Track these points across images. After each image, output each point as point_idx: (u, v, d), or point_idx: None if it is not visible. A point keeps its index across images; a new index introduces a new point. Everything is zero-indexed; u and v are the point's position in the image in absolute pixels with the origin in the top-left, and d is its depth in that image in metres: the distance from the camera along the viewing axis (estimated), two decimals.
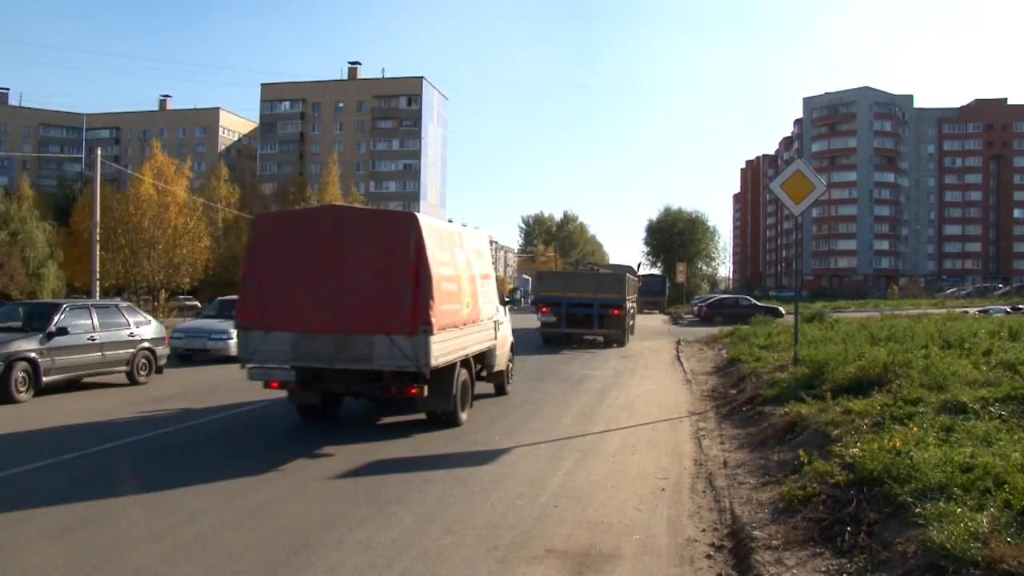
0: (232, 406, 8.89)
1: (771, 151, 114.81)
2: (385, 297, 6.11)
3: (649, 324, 32.86)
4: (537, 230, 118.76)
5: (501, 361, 9.19)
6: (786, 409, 7.15)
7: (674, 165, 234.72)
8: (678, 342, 20.08)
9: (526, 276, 66.02)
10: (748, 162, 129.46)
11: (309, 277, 6.22)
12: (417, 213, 6.41)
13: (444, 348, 6.56)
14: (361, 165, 78.27)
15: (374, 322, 6.11)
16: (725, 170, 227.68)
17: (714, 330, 22.08)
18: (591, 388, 11.06)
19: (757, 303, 32.72)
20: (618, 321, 17.72)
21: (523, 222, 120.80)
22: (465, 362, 7.27)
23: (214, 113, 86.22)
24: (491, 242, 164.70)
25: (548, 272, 21.90)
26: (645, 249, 66.12)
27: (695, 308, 36.37)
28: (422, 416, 7.89)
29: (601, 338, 17.99)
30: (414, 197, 77.57)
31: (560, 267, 71.42)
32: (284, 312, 6.27)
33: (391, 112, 78.90)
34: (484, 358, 8.46)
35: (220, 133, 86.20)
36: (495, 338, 8.56)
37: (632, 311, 19.90)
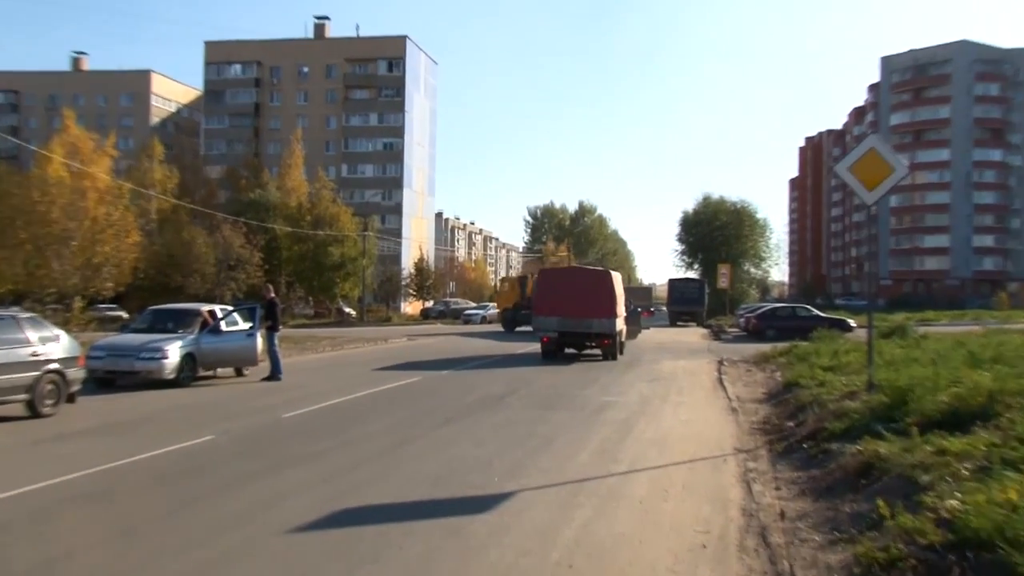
0: (168, 443, 8.82)
1: (838, 125, 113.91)
2: (597, 303, 19.94)
3: (684, 339, 32.95)
4: (547, 224, 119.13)
5: (623, 335, 22.45)
6: (859, 447, 7.07)
7: (713, 147, 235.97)
8: (720, 362, 20.19)
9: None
10: (808, 139, 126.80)
11: (564, 294, 20.16)
12: (610, 271, 21.17)
13: (618, 324, 20.58)
14: (331, 144, 78.61)
15: (593, 313, 19.92)
16: (777, 151, 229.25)
17: (765, 347, 22.02)
18: (613, 418, 11.06)
19: (820, 314, 32.64)
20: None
21: (529, 214, 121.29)
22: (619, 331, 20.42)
23: (144, 77, 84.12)
24: (491, 238, 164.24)
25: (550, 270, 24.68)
26: (678, 248, 66.43)
27: (741, 320, 36.31)
28: (404, 452, 8.08)
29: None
30: (396, 184, 78.02)
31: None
32: (554, 308, 20.19)
33: (367, 79, 79.14)
34: (621, 333, 21.56)
35: (153, 102, 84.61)
36: (624, 325, 22.39)
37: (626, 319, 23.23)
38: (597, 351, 21.06)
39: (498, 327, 39.70)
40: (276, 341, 15.77)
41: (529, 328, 38.21)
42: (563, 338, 20.69)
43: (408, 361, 20.46)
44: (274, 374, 15.41)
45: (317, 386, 14.54)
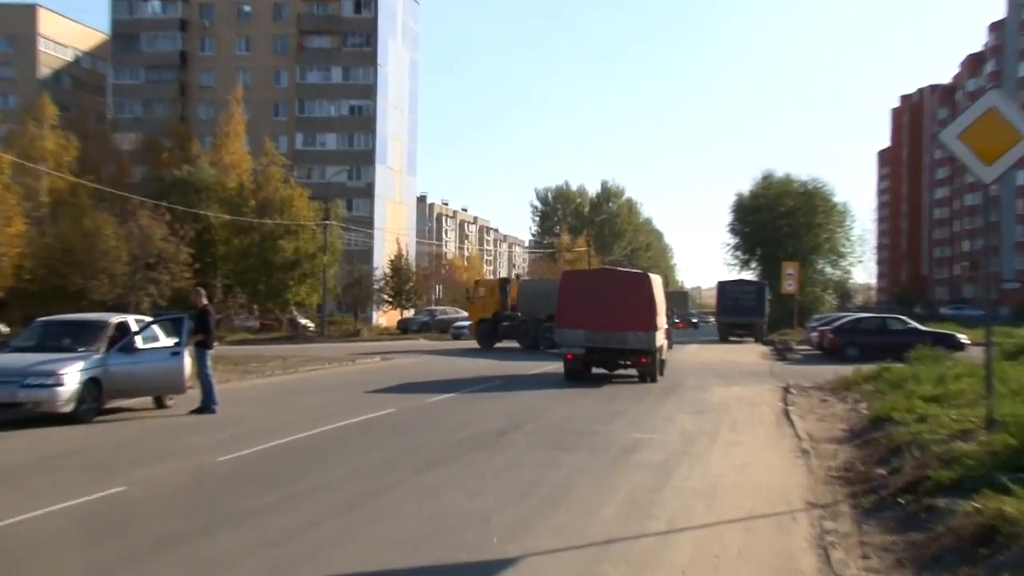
0: (62, 498, 8.71)
1: (944, 78, 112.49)
2: (633, 313, 21.17)
3: (738, 359, 33.09)
4: (560, 211, 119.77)
5: (664, 351, 23.89)
6: (977, 504, 7.02)
7: (773, 113, 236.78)
8: (786, 389, 20.24)
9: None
10: (904, 99, 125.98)
11: (593, 302, 21.48)
12: (649, 274, 23.34)
13: (659, 339, 21.87)
14: (281, 108, 79.06)
15: (628, 325, 21.05)
16: (861, 116, 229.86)
17: (846, 369, 21.98)
18: (646, 460, 11.08)
19: (919, 326, 32.45)
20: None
21: (538, 199, 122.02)
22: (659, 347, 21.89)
23: (28, 13, 78.36)
24: (489, 229, 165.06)
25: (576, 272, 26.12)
26: (730, 241, 66.39)
27: (814, 334, 36.27)
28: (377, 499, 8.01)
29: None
30: (366, 159, 78.49)
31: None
32: (580, 320, 21.41)
33: (328, 22, 79.46)
34: (662, 349, 22.88)
35: (41, 47, 79.82)
36: (665, 338, 24.07)
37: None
38: (632, 371, 22.04)
39: (499, 345, 39.81)
40: (209, 362, 15.78)
41: (513, 344, 39.92)
42: (591, 355, 21.76)
43: (382, 387, 20.50)
44: (206, 404, 15.42)
45: (263, 420, 14.56)
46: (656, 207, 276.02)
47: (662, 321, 23.05)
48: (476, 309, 41.54)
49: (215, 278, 50.03)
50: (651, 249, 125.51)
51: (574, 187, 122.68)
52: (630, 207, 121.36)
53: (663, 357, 23.64)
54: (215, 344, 16.36)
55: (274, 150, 60.11)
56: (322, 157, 77.22)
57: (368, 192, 77.88)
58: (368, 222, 74.05)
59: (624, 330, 21.23)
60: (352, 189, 76.70)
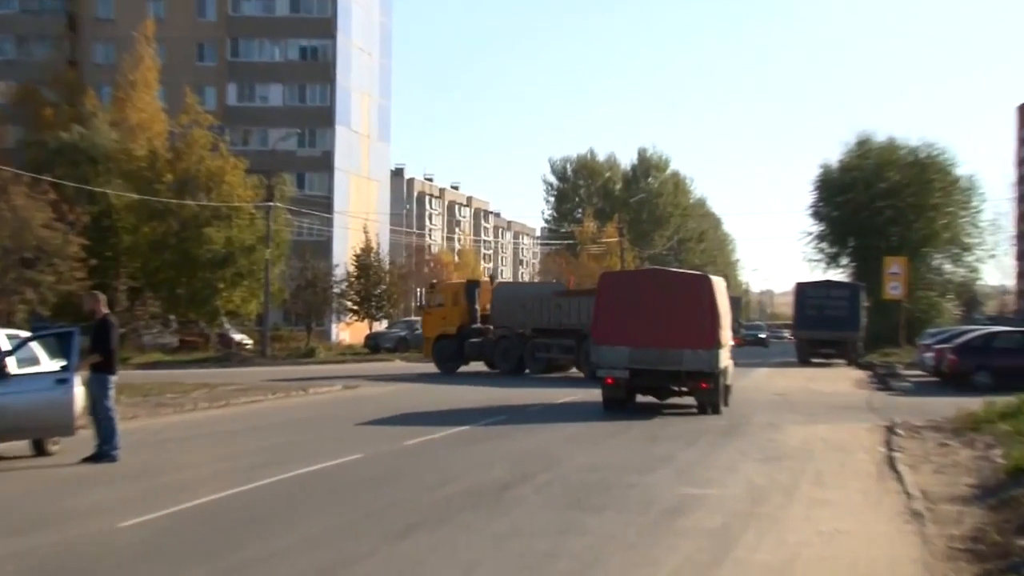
0: None
1: None
2: (690, 325, 22.07)
3: (823, 386, 33.17)
4: (584, 189, 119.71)
5: (729, 374, 24.27)
6: None
7: (872, 58, 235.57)
8: (890, 428, 20.22)
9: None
10: None
11: (639, 312, 22.64)
12: (710, 276, 24.90)
13: (723, 358, 22.83)
14: (208, 49, 79.38)
15: (683, 341, 22.01)
16: (991, 62, 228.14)
17: (973, 402, 21.89)
18: (699, 526, 11.08)
19: None
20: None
21: (553, 172, 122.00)
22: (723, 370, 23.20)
23: None
24: (488, 213, 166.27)
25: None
26: (813, 228, 66.26)
27: (928, 355, 36.15)
28: None
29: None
30: (322, 119, 78.72)
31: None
32: (623, 334, 22.50)
33: None
34: (726, 371, 23.50)
35: None
36: (730, 357, 24.50)
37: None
38: (689, 399, 23.06)
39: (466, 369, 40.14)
40: (111, 392, 15.71)
41: (483, 367, 40.22)
42: (636, 379, 22.86)
43: (345, 425, 20.44)
44: (104, 450, 15.35)
45: (184, 470, 14.56)
46: (711, 185, 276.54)
47: (727, 336, 23.59)
48: (433, 321, 41.76)
49: (118, 279, 49.97)
50: (705, 240, 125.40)
51: (601, 157, 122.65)
52: (677, 184, 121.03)
53: (728, 382, 24.22)
54: (118, 368, 16.26)
55: (198, 106, 59.66)
56: (263, 116, 77.49)
57: (325, 164, 78.22)
58: (326, 204, 74.22)
59: (679, 347, 22.01)
60: (304, 160, 76.96)
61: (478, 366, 39.51)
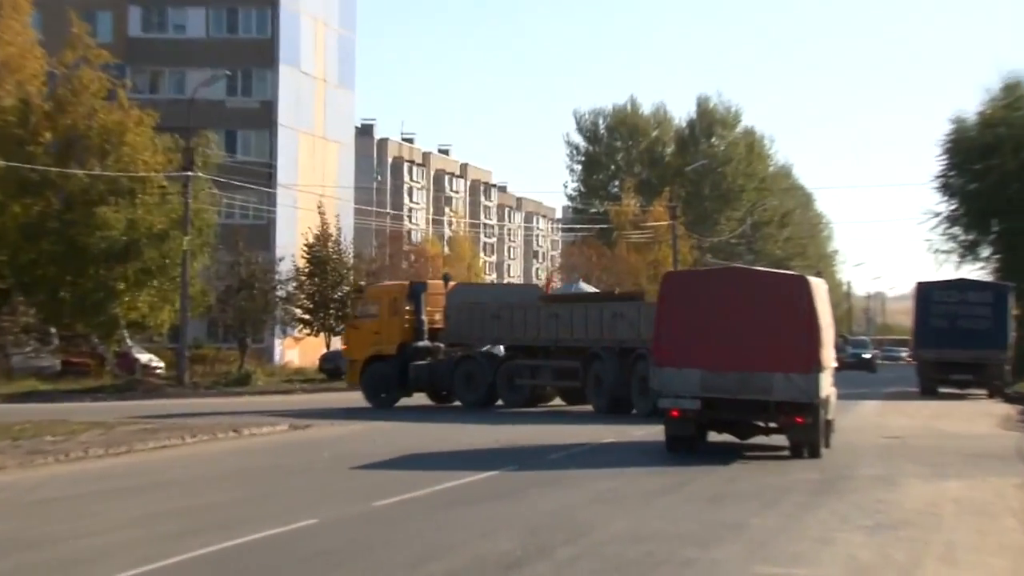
0: None
1: None
2: (782, 342, 22.82)
3: (958, 427, 33.32)
4: (622, 153, 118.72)
5: (831, 405, 25.17)
6: None
7: None
8: None
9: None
10: None
11: (714, 325, 23.56)
12: (808, 277, 25.89)
13: (825, 384, 23.71)
14: None
15: (773, 362, 22.73)
16: None
17: None
18: None
19: None
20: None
21: (579, 129, 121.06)
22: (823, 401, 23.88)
23: None
24: (489, 187, 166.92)
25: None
26: (940, 207, 65.99)
27: None
28: None
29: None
30: (261, 58, 78.89)
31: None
32: (693, 353, 23.46)
33: None
34: (828, 402, 24.41)
35: None
36: (832, 385, 25.71)
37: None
38: (779, 438, 23.88)
39: (577, 404, 40.26)
40: None
41: (423, 401, 41.54)
42: (710, 412, 23.66)
43: (292, 479, 20.59)
44: None
45: (69, 541, 14.48)
46: (797, 148, 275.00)
47: (830, 356, 24.04)
48: (362, 338, 42.22)
49: None
50: (790, 223, 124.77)
51: (646, 110, 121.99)
52: (751, 146, 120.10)
53: (829, 415, 24.85)
54: None
55: (88, 38, 59.35)
56: (179, 53, 77.76)
57: (265, 118, 78.67)
58: (266, 173, 74.44)
59: (768, 370, 22.65)
60: (236, 113, 77.37)
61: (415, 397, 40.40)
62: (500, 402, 38.61)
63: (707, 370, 22.80)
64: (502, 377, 38.51)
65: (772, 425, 23.48)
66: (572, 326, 37.30)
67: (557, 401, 39.39)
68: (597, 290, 56.47)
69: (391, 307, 41.68)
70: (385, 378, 40.34)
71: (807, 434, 22.95)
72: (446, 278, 45.57)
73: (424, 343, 40.28)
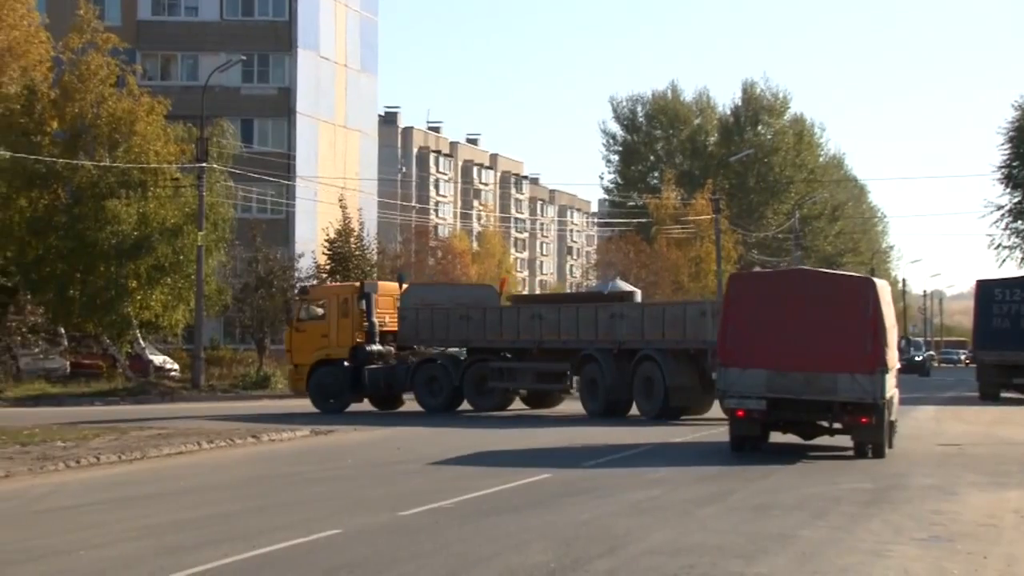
0: None
1: None
2: (847, 343, 24.39)
3: (1021, 434, 33.28)
4: (661, 142, 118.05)
5: (894, 407, 26.62)
6: None
7: None
8: None
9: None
10: None
11: (780, 326, 25.12)
12: (873, 279, 27.83)
13: (889, 385, 25.24)
14: None
15: (838, 362, 24.30)
16: None
17: None
18: None
19: None
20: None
21: (616, 117, 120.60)
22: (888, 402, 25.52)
23: None
24: (520, 179, 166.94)
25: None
26: (1005, 197, 65.71)
27: None
28: None
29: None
30: (280, 38, 79.02)
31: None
32: (759, 354, 24.97)
33: None
34: (891, 403, 25.87)
35: None
36: (896, 386, 27.32)
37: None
38: (843, 438, 25.73)
39: (542, 408, 40.55)
40: None
41: (364, 406, 41.94)
42: (776, 412, 25.30)
43: (312, 487, 20.64)
44: None
45: (80, 552, 14.53)
46: (849, 137, 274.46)
47: (893, 357, 25.99)
48: (308, 342, 42.56)
49: None
50: (842, 217, 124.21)
51: (688, 96, 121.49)
52: (800, 134, 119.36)
53: (892, 416, 26.33)
54: None
55: (96, 21, 59.53)
56: (192, 36, 77.97)
57: (283, 106, 78.72)
58: (284, 164, 74.53)
59: (833, 371, 24.31)
60: (252, 100, 77.56)
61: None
62: (471, 406, 39.47)
63: (772, 370, 24.33)
64: (470, 380, 39.08)
65: (836, 425, 24.96)
66: (559, 328, 38.07)
67: (517, 404, 39.91)
68: (635, 288, 56.41)
69: (342, 309, 42.01)
70: (336, 383, 40.72)
71: (871, 434, 24.51)
72: (400, 278, 45.88)
73: (377, 346, 40.76)
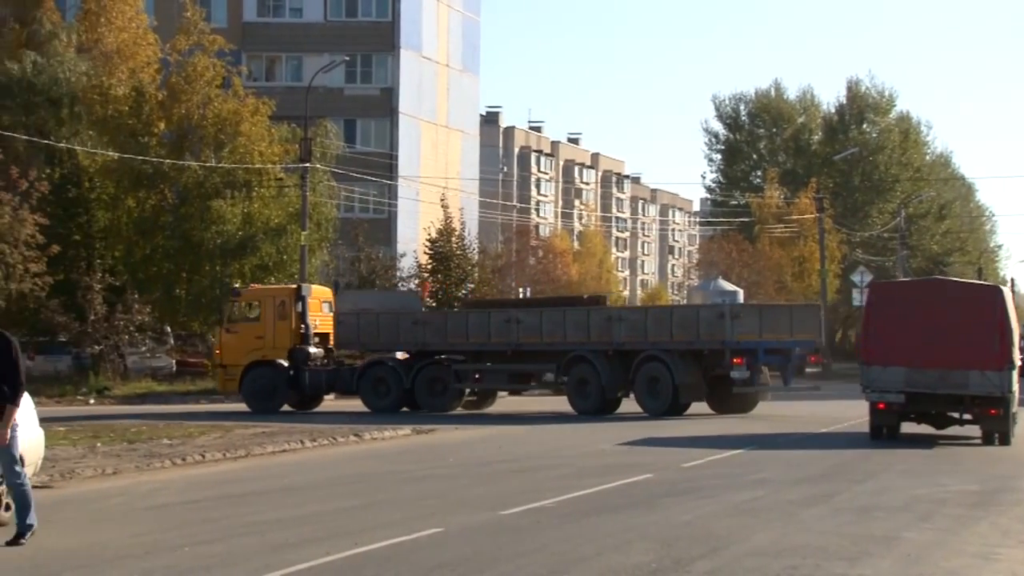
0: None
1: None
2: (978, 343, 28.35)
3: None
4: (764, 142, 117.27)
5: (1015, 403, 29.24)
6: None
7: None
8: None
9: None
10: None
11: (916, 328, 29.25)
12: (1000, 286, 37.88)
13: (1014, 380, 29.07)
14: None
15: (970, 360, 28.19)
16: None
17: None
18: None
19: None
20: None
21: (719, 116, 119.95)
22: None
23: None
24: (621, 178, 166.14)
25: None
26: None
27: None
28: None
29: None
30: (383, 39, 79.35)
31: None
32: (897, 353, 28.86)
33: None
34: (1014, 397, 29.19)
35: None
36: (1019, 382, 30.59)
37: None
38: (972, 428, 29.40)
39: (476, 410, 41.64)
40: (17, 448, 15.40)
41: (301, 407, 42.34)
42: (913, 404, 28.89)
43: (411, 486, 20.74)
44: (22, 528, 14.93)
45: (184, 548, 14.62)
46: (956, 135, 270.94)
47: (1017, 355, 29.06)
48: (241, 343, 42.62)
49: (91, 274, 51.15)
50: (949, 215, 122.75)
51: (791, 95, 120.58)
52: (907, 133, 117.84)
53: (1014, 409, 28.96)
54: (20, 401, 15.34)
55: (202, 23, 59.71)
56: (296, 38, 78.52)
57: (386, 106, 79.06)
58: (386, 164, 74.83)
59: (965, 368, 27.81)
60: (355, 100, 77.91)
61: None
62: (422, 406, 39.76)
63: (910, 368, 27.79)
64: (426, 384, 39.57)
65: (967, 416, 28.39)
66: (541, 330, 39.17)
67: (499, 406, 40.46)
68: (737, 288, 56.10)
69: (279, 311, 42.17)
70: (272, 384, 40.95)
71: (999, 424, 27.94)
72: (337, 285, 46.66)
73: (313, 349, 41.16)
